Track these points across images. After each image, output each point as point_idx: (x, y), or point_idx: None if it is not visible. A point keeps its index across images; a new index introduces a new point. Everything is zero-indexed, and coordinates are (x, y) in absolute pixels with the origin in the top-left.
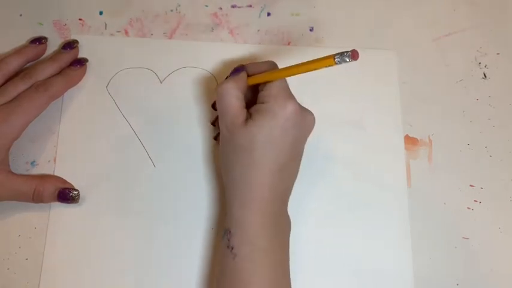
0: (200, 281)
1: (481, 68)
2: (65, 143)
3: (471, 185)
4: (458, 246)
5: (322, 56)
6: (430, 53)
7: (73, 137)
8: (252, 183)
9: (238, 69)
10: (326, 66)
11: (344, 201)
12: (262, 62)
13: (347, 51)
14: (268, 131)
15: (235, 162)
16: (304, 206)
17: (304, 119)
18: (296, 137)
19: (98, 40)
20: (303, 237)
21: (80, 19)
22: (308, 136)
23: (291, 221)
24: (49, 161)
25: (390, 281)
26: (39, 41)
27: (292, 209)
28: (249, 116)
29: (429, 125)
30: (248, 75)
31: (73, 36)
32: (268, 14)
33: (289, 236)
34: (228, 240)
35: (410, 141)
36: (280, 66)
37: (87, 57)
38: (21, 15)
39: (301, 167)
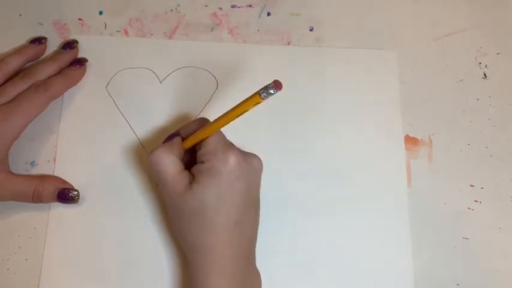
0: None
1: (481, 68)
2: (65, 143)
3: (471, 185)
4: (459, 246)
5: (247, 97)
6: (430, 53)
7: (73, 137)
8: (209, 245)
9: (170, 136)
10: (255, 105)
11: (344, 201)
12: (193, 121)
13: (269, 84)
14: (214, 189)
15: (187, 228)
16: (304, 206)
17: (250, 166)
18: (245, 187)
19: (98, 40)
20: (302, 237)
21: (79, 19)
22: (259, 181)
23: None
24: (49, 161)
25: (390, 281)
26: (39, 41)
27: (292, 208)
28: (191, 178)
29: (429, 125)
30: (183, 139)
31: (73, 36)
32: (268, 14)
33: None
34: None
35: (410, 141)
36: (280, 67)
37: (87, 57)
38: (21, 15)
39: (301, 167)
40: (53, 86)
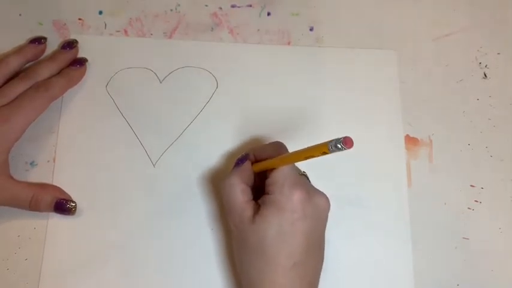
0: (201, 282)
1: (481, 68)
2: (65, 143)
3: (471, 185)
4: (459, 247)
5: (317, 144)
6: (430, 53)
7: (72, 136)
8: (267, 285)
9: (241, 159)
10: (322, 154)
11: (344, 201)
12: (269, 144)
13: (339, 138)
14: (277, 226)
15: (248, 263)
16: None
17: (315, 206)
18: (309, 228)
19: (98, 40)
20: None
21: (79, 19)
22: (325, 222)
23: None
24: (48, 161)
25: (390, 281)
26: (39, 41)
27: None
28: (257, 209)
29: (429, 125)
30: (256, 160)
31: (73, 36)
32: (268, 14)
33: None
34: None
35: (410, 141)
36: (280, 67)
37: (87, 57)
38: (20, 15)
39: (300, 167)
40: (54, 87)
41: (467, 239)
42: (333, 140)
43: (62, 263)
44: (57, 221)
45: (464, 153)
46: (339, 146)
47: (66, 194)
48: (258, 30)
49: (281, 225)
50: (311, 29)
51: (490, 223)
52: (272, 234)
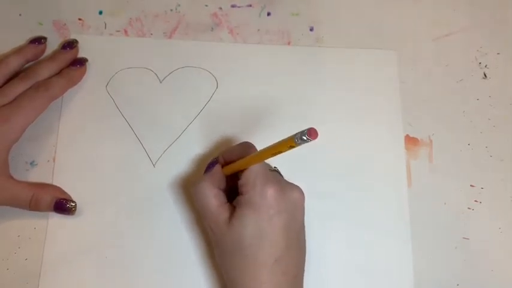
0: (200, 283)
1: (481, 68)
2: (65, 143)
3: (471, 185)
4: (459, 247)
5: (283, 139)
6: (430, 53)
7: (72, 136)
8: (251, 285)
9: (211, 163)
10: (289, 148)
11: (344, 201)
12: (237, 145)
13: (304, 130)
14: (254, 225)
15: (229, 264)
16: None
17: (289, 200)
18: (285, 222)
19: (98, 40)
20: None
21: (79, 19)
22: (301, 213)
23: None
24: (48, 161)
25: (390, 281)
26: (39, 41)
27: None
28: (232, 211)
29: (429, 125)
30: (226, 163)
31: (73, 36)
32: (268, 14)
33: None
34: None
35: (410, 141)
36: (280, 67)
37: (87, 57)
38: (20, 14)
39: (300, 167)
40: (54, 87)
41: (467, 239)
42: (298, 132)
43: (61, 262)
44: (57, 221)
45: (464, 153)
46: (304, 138)
47: (66, 194)
48: (258, 30)
49: (258, 223)
50: (311, 29)
51: (490, 223)
52: (250, 234)
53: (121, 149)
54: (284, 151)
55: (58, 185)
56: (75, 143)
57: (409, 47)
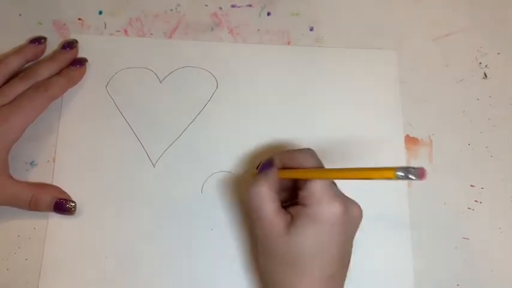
0: (200, 282)
1: (481, 68)
2: (64, 143)
3: (471, 185)
4: (459, 247)
5: (379, 167)
6: (430, 53)
7: (72, 137)
8: None
9: (266, 164)
10: (383, 179)
11: None
12: (298, 151)
13: (413, 168)
14: (313, 240)
15: (279, 273)
16: None
17: (352, 218)
18: (344, 240)
19: (98, 40)
20: None
21: (79, 19)
22: (356, 231)
23: None
24: (48, 161)
25: (390, 281)
26: (39, 41)
27: None
28: (289, 218)
29: (429, 125)
30: (282, 166)
31: (72, 36)
32: (268, 14)
33: None
34: None
35: (410, 141)
36: (280, 67)
37: (87, 57)
38: (20, 15)
39: None
40: (53, 86)
41: (467, 239)
42: (403, 167)
43: (61, 262)
44: (57, 221)
45: (464, 153)
46: (411, 177)
47: (66, 194)
48: (258, 30)
49: (319, 238)
50: (311, 29)
51: (490, 223)
52: (310, 248)
53: (121, 149)
54: (375, 179)
55: (58, 185)
56: (75, 143)
57: (409, 47)
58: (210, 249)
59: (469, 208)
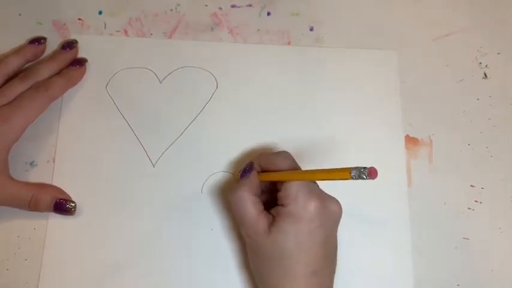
0: (200, 282)
1: (481, 68)
2: (64, 143)
3: (472, 185)
4: (459, 247)
5: (337, 168)
6: (430, 53)
7: (72, 137)
8: None
9: (247, 169)
10: (340, 179)
11: (344, 201)
12: (275, 154)
13: (364, 168)
14: (293, 237)
15: (266, 273)
16: None
17: (330, 213)
18: (325, 236)
19: (97, 40)
20: None
21: (79, 19)
22: (337, 226)
23: None
24: (48, 161)
25: (390, 281)
26: (39, 41)
27: None
28: (271, 219)
29: (429, 125)
30: (262, 170)
31: (72, 36)
32: (268, 14)
33: None
34: None
35: (410, 141)
36: (280, 67)
37: (87, 57)
38: (20, 14)
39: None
40: (53, 87)
41: (467, 239)
42: (356, 167)
43: (61, 263)
44: (57, 221)
45: (464, 153)
46: (363, 177)
47: (66, 194)
48: (258, 30)
49: (298, 236)
50: (311, 29)
51: (490, 223)
52: (290, 246)
53: (121, 149)
54: (335, 179)
55: (58, 185)
56: (75, 143)
57: (409, 47)
58: (209, 249)
59: (469, 208)
